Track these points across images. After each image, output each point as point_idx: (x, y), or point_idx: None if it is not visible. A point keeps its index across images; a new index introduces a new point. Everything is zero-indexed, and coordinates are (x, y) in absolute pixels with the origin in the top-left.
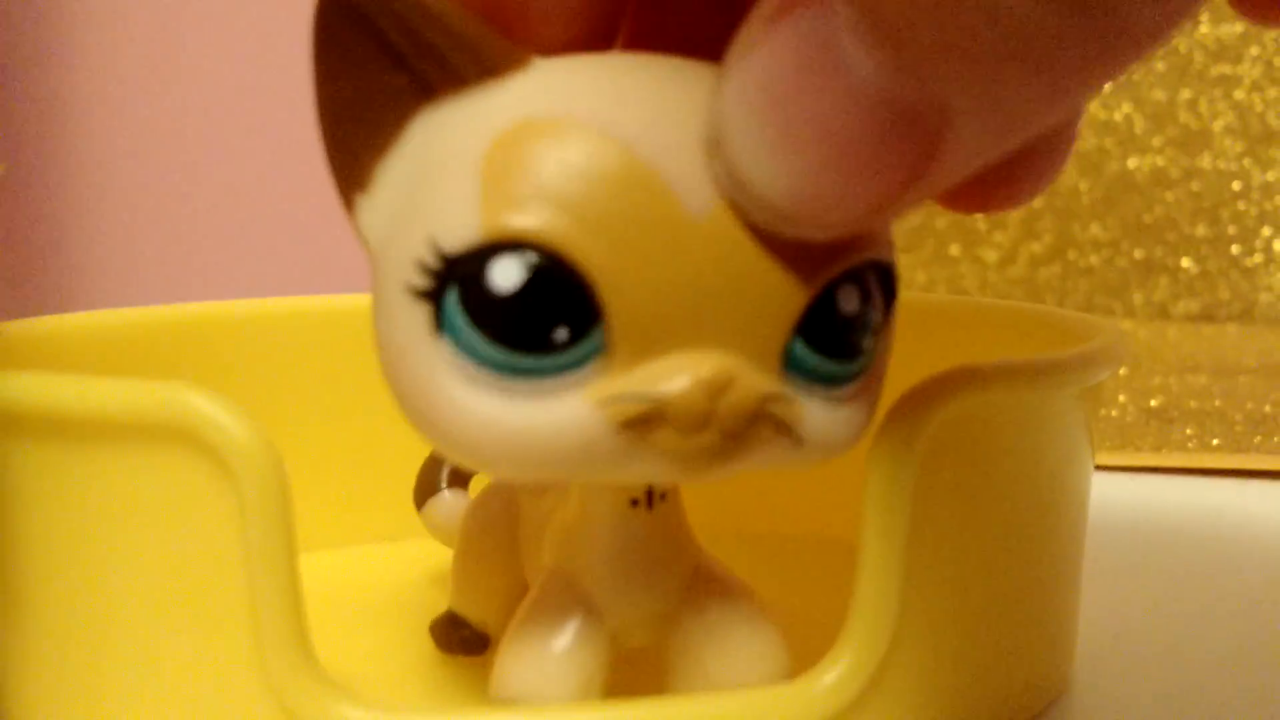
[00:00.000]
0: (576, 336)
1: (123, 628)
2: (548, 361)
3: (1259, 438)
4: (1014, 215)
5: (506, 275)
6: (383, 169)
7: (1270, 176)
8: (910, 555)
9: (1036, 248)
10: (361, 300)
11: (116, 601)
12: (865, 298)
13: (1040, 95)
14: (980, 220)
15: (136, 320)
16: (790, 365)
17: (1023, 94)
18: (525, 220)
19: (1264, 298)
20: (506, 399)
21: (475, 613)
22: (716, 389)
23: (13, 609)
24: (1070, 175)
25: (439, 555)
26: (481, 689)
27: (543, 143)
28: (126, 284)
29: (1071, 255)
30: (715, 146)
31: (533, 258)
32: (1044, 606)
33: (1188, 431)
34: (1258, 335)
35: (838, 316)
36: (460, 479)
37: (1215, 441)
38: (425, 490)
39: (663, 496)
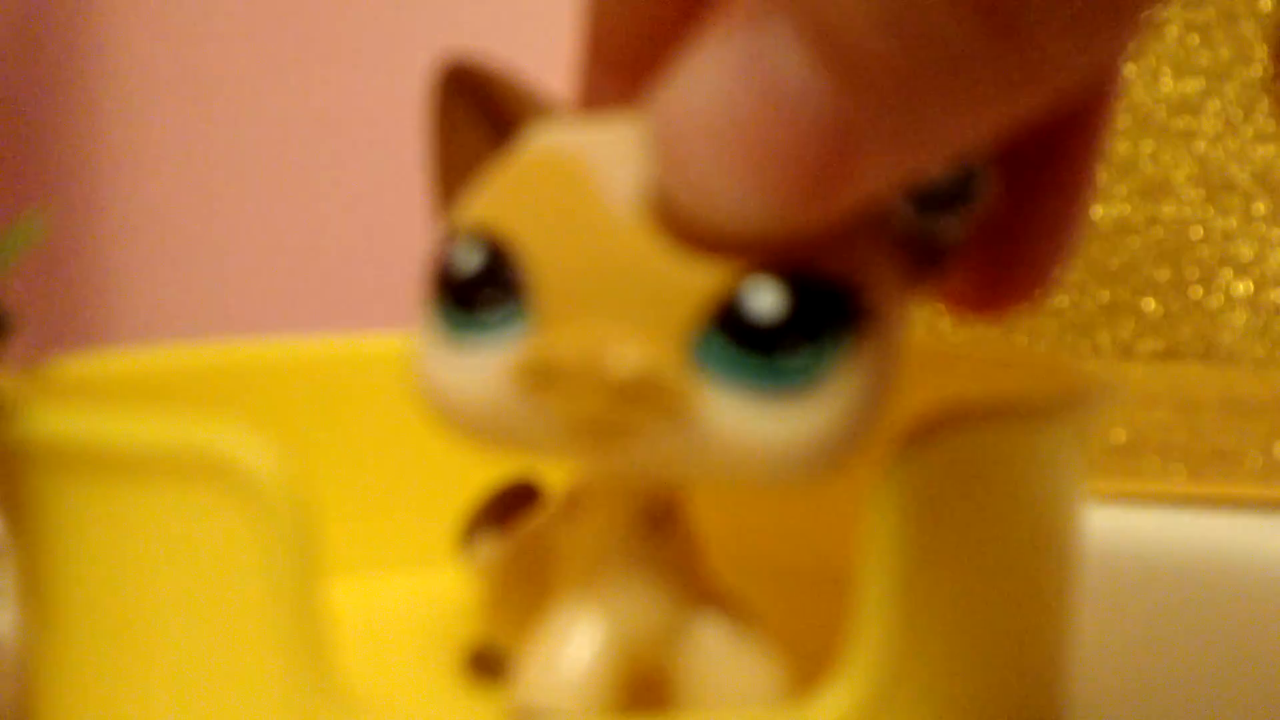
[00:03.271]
0: (505, 306)
1: (155, 653)
2: (486, 325)
3: (1220, 469)
4: None
5: (462, 255)
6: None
7: (1229, 223)
8: (908, 590)
9: None
10: (398, 339)
11: (149, 629)
12: (801, 302)
13: (958, 117)
14: None
15: (178, 356)
16: (703, 356)
17: (942, 114)
18: (476, 213)
19: (1225, 337)
20: (453, 354)
21: (509, 640)
22: (593, 352)
23: (49, 632)
24: None
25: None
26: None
27: (516, 164)
28: (168, 321)
29: None
30: (652, 149)
31: (477, 242)
32: (1039, 640)
33: (1151, 462)
34: (1219, 373)
35: (756, 313)
36: (503, 525)
37: (1178, 471)
38: (470, 534)
39: (672, 521)
